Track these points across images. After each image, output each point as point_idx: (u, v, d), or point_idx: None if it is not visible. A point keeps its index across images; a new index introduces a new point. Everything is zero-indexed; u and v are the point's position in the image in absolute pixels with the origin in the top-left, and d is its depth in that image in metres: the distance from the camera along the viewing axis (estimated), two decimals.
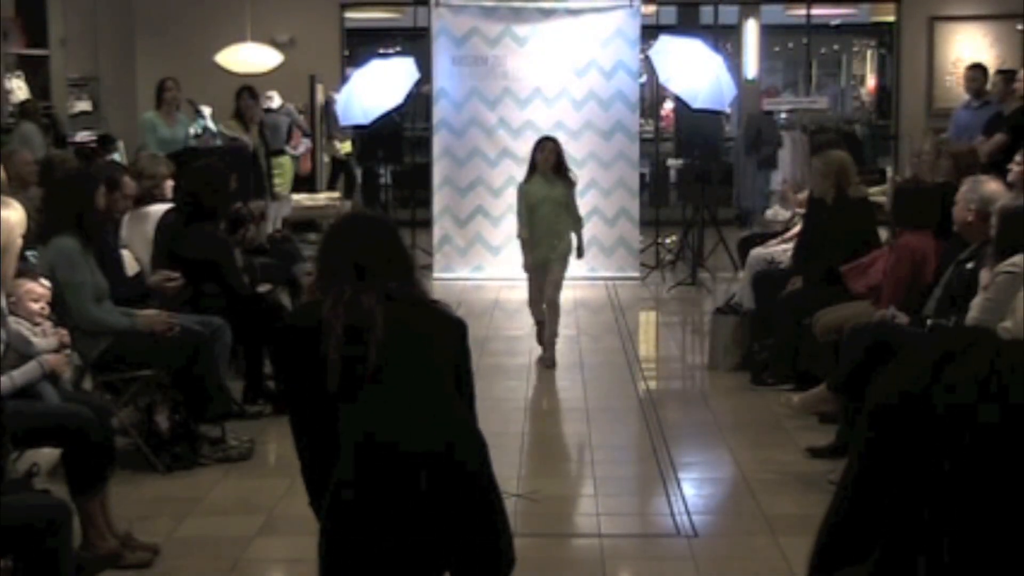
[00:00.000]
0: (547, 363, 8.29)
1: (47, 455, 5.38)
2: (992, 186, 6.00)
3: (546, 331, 8.37)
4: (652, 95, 16.28)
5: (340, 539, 3.14)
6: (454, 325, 3.39)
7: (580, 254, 8.65)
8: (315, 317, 3.19)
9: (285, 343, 3.34)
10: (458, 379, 3.31)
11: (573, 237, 8.47)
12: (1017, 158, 7.13)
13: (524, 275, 11.78)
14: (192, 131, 11.17)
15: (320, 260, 3.38)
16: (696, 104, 11.33)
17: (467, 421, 3.29)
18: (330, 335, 3.13)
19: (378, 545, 3.10)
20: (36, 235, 5.82)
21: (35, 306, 5.16)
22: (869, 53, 18.95)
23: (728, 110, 14.03)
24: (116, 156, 11.38)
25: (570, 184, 8.38)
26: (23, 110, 11.13)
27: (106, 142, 11.33)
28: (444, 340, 3.31)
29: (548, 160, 8.23)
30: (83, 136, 12.00)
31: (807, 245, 7.70)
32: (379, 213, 3.62)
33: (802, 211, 8.33)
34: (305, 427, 3.26)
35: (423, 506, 3.09)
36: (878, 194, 8.29)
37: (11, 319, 5.05)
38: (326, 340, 3.12)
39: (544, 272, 8.35)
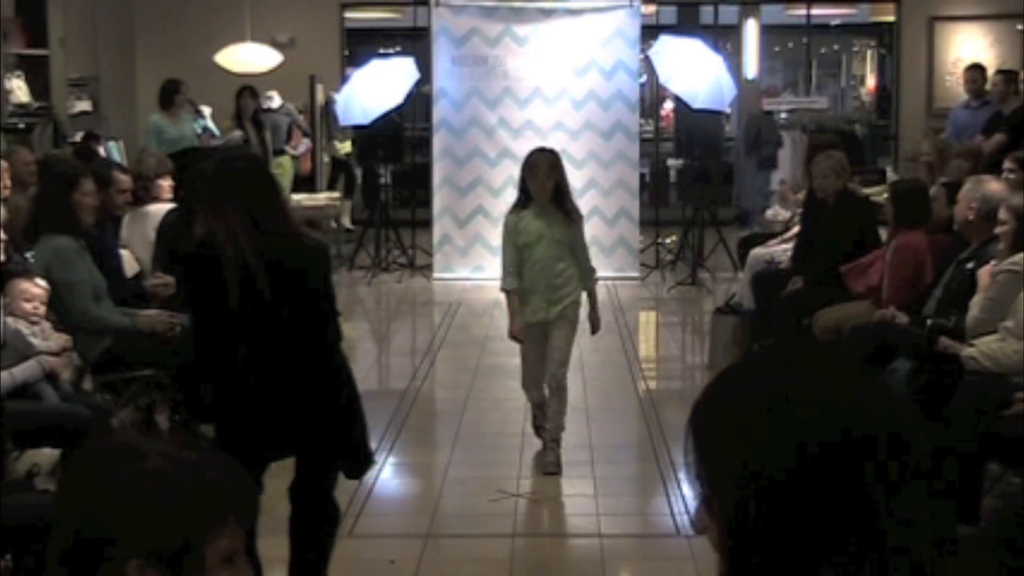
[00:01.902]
0: (549, 468, 5.99)
1: (47, 455, 5.38)
2: (994, 186, 6.01)
3: (548, 423, 6.09)
4: (652, 95, 16.28)
5: (232, 424, 3.98)
6: (319, 252, 4.06)
7: (594, 327, 6.25)
8: (211, 246, 3.84)
9: (191, 268, 4.06)
10: (324, 299, 3.99)
11: (583, 296, 6.19)
12: (1007, 164, 7.15)
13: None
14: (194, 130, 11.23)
15: (200, 200, 4.07)
16: (696, 104, 11.33)
17: (329, 348, 4.01)
18: (227, 263, 3.77)
19: (259, 432, 3.94)
20: (27, 233, 5.83)
21: (27, 306, 5.16)
22: (869, 53, 18.94)
23: (728, 110, 14.03)
24: (112, 148, 11.42)
25: (575, 218, 6.10)
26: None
27: (90, 139, 11.36)
28: (311, 267, 3.96)
29: (544, 188, 5.85)
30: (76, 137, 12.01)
31: (807, 245, 7.71)
32: (249, 153, 4.74)
33: (802, 211, 8.34)
34: (206, 338, 3.96)
35: (293, 412, 3.97)
36: (878, 194, 8.28)
37: (9, 319, 5.05)
38: (226, 267, 3.77)
39: (541, 337, 6.05)
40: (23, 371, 4.94)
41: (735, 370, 1.28)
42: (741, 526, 1.21)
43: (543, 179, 5.81)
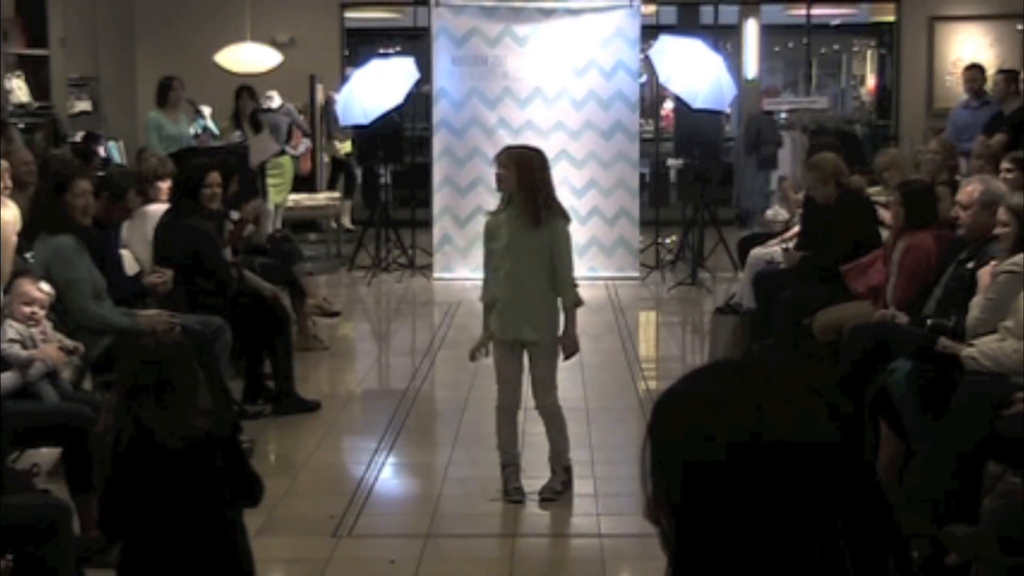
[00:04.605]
0: (546, 493, 5.56)
1: (47, 455, 5.38)
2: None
3: (549, 449, 5.66)
4: (652, 95, 16.28)
5: None
6: None
7: (569, 351, 5.53)
8: None
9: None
10: None
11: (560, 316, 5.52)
12: (1005, 164, 7.15)
13: None
14: (192, 131, 11.21)
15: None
16: (696, 104, 11.33)
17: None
18: None
19: None
20: (25, 234, 5.82)
21: (26, 309, 5.14)
22: (869, 53, 18.94)
23: (728, 110, 14.03)
24: (112, 148, 11.42)
25: (553, 220, 5.43)
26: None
27: (91, 139, 11.37)
28: None
29: (504, 180, 5.44)
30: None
31: (808, 245, 7.71)
32: None
33: (801, 211, 8.34)
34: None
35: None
36: (878, 194, 8.27)
37: (5, 321, 5.04)
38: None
39: (517, 356, 5.51)
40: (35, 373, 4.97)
41: (691, 374, 1.32)
42: (684, 528, 1.26)
43: (501, 171, 5.41)
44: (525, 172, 5.37)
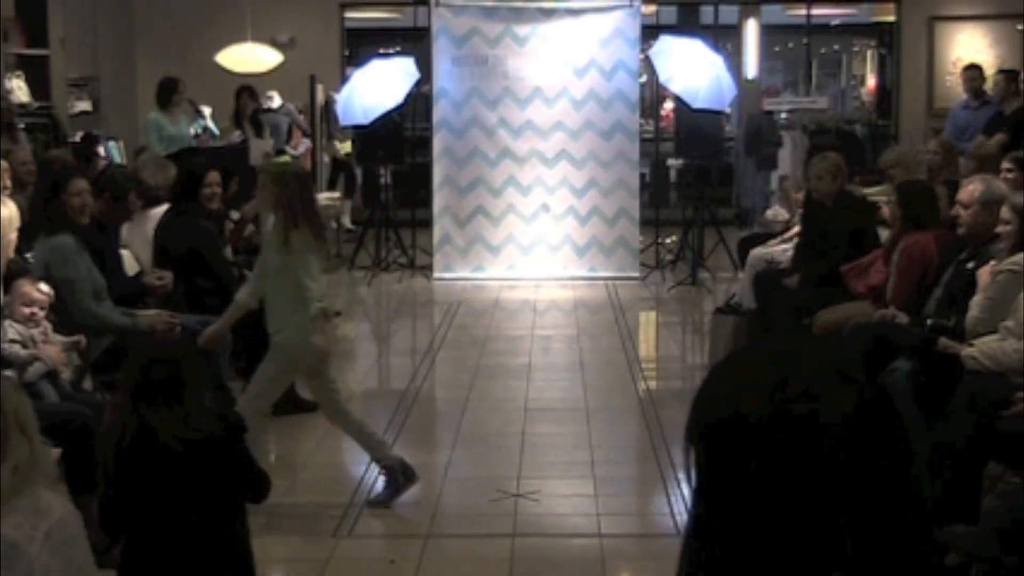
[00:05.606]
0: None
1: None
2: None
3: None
4: (652, 95, 16.28)
5: None
6: None
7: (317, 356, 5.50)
8: None
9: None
10: None
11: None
12: (1005, 164, 7.16)
13: (524, 275, 11.93)
14: (192, 131, 11.21)
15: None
16: (696, 104, 11.33)
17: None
18: None
19: None
20: (24, 234, 5.82)
21: (26, 310, 5.14)
22: (869, 53, 18.94)
23: (728, 110, 14.03)
24: (112, 148, 11.41)
25: (292, 243, 5.26)
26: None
27: (91, 141, 11.37)
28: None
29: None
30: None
31: (807, 245, 7.71)
32: None
33: (801, 211, 8.35)
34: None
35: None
36: (878, 194, 8.28)
37: (5, 322, 5.04)
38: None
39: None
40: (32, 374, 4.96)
41: (723, 360, 1.32)
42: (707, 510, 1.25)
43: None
44: (280, 191, 5.31)
